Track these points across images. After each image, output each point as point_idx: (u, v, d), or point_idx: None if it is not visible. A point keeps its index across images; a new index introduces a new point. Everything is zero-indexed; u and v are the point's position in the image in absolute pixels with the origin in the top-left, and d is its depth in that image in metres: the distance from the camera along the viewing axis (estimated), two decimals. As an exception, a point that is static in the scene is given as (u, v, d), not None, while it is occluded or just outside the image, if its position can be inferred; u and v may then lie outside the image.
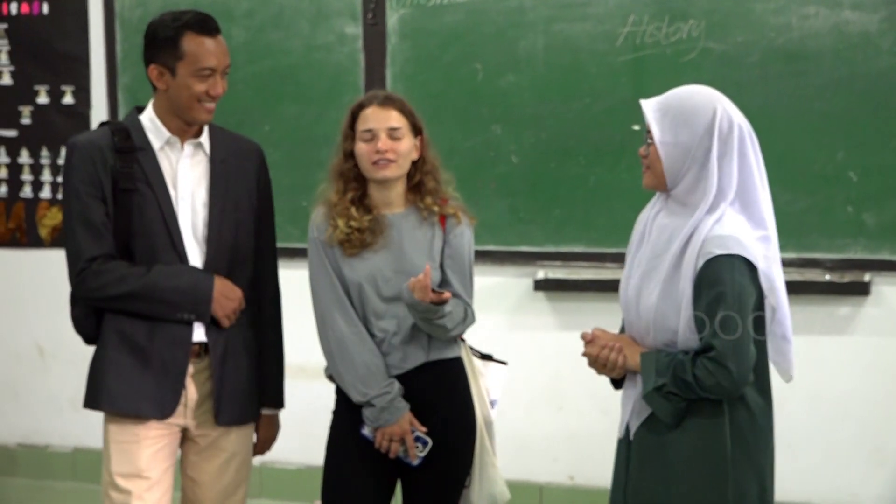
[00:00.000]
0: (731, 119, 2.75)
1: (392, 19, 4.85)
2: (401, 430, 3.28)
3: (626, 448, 2.88)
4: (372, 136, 3.30)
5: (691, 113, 2.76)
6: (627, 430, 2.88)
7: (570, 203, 4.72)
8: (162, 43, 3.18)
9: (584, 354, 2.91)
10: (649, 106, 2.81)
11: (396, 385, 3.30)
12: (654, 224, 2.86)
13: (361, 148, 3.31)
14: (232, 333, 3.28)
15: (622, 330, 2.99)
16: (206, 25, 3.18)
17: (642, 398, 2.78)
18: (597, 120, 4.65)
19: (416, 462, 3.31)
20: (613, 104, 4.63)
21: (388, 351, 3.32)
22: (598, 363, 2.88)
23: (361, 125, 3.33)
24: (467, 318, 3.37)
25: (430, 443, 3.31)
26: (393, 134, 3.30)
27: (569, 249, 4.75)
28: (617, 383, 2.99)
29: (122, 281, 3.17)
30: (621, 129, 4.58)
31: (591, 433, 4.81)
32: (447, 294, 3.22)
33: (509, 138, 4.77)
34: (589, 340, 2.89)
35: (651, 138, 2.79)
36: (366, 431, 3.32)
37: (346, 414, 3.38)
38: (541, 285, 4.78)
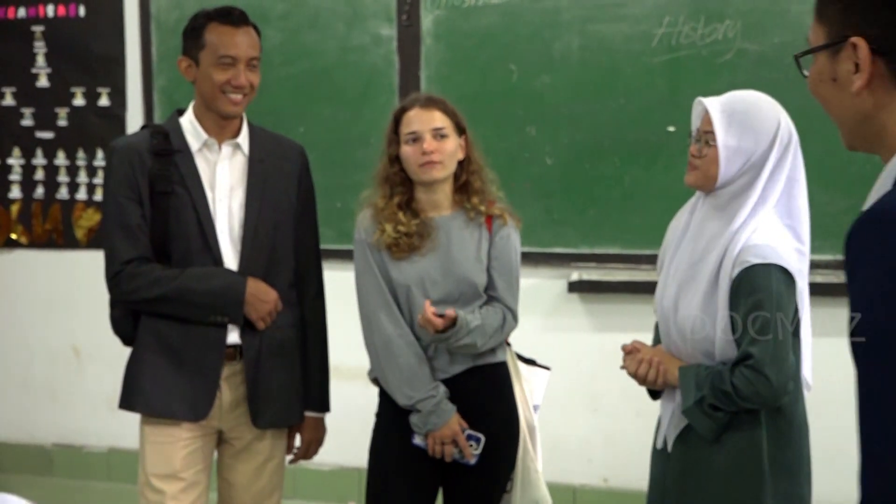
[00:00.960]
0: (791, 132, 2.72)
1: (426, 21, 4.85)
2: (451, 432, 3.26)
3: (665, 460, 2.87)
4: (417, 138, 3.28)
5: (758, 120, 2.71)
6: (665, 441, 2.87)
7: (605, 204, 4.71)
8: (189, 34, 3.22)
9: (624, 367, 2.90)
10: (714, 107, 2.73)
11: (442, 388, 3.28)
12: (689, 229, 2.83)
13: (407, 151, 3.30)
14: (268, 335, 3.28)
15: (655, 337, 2.98)
16: (229, 16, 3.19)
17: (682, 413, 2.76)
18: (632, 121, 4.63)
19: (473, 461, 3.29)
20: (649, 105, 4.61)
21: (435, 355, 3.30)
22: (637, 378, 2.87)
23: (405, 128, 3.31)
24: (506, 324, 3.34)
25: (483, 438, 3.29)
26: (438, 134, 3.28)
27: (603, 251, 4.73)
28: (654, 394, 2.97)
29: (154, 284, 3.18)
30: (657, 130, 4.56)
31: (626, 435, 4.79)
32: (450, 312, 3.20)
33: (544, 139, 4.76)
34: (629, 352, 2.88)
35: (713, 139, 2.72)
36: (417, 441, 3.29)
37: (390, 418, 3.36)
38: (575, 287, 4.76)
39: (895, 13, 1.51)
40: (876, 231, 1.45)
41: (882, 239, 1.43)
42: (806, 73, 1.67)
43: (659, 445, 2.89)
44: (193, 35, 3.20)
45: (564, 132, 4.73)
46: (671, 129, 4.50)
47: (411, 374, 3.26)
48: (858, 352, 1.47)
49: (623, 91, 4.65)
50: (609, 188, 4.70)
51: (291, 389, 3.34)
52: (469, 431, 3.28)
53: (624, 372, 2.97)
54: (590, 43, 4.67)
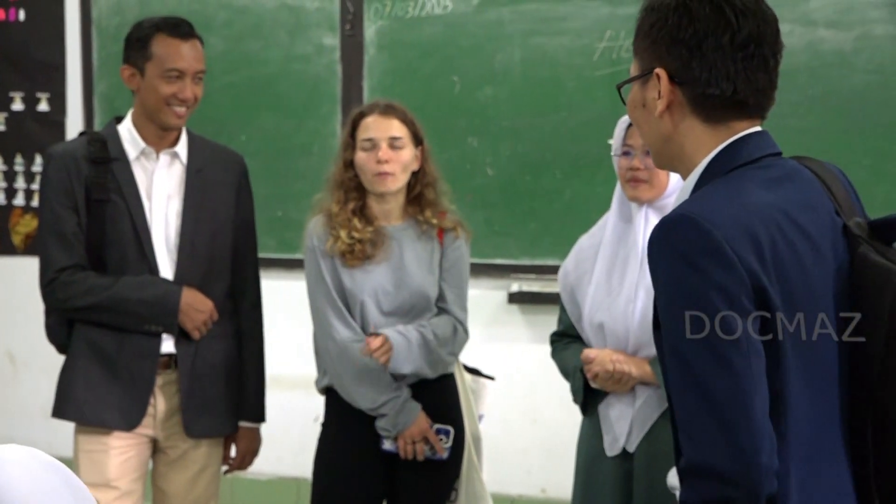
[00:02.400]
0: None
1: (370, 31, 4.85)
2: (420, 430, 3.28)
3: (622, 462, 2.89)
4: (373, 146, 3.27)
5: None
6: (624, 447, 2.89)
7: (546, 216, 4.73)
8: (134, 43, 3.20)
9: (594, 375, 2.89)
10: None
11: (405, 387, 3.30)
12: (641, 242, 2.84)
13: (362, 157, 3.29)
14: (204, 345, 3.27)
15: (560, 356, 3.04)
16: (178, 28, 3.18)
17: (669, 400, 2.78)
18: (573, 133, 4.66)
19: (445, 455, 3.31)
20: (590, 118, 4.64)
21: (386, 366, 3.31)
22: (612, 379, 2.87)
23: (362, 134, 3.30)
24: (457, 335, 3.36)
25: (452, 430, 3.32)
26: (394, 143, 3.28)
27: (543, 262, 4.75)
28: (584, 409, 3.01)
29: (88, 292, 3.17)
30: (597, 143, 4.59)
31: (565, 446, 4.78)
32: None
33: (486, 151, 4.77)
34: (593, 359, 2.89)
35: None
36: (387, 446, 3.30)
37: (338, 427, 3.36)
38: (515, 298, 4.78)
39: (689, 51, 1.80)
40: (664, 236, 1.75)
41: (671, 244, 1.73)
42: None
43: (613, 452, 2.91)
44: (139, 45, 3.18)
45: (506, 144, 4.75)
46: (611, 141, 4.53)
47: (372, 379, 3.26)
48: (659, 349, 1.80)
49: (565, 104, 4.67)
50: (550, 200, 4.72)
51: (226, 399, 3.33)
52: (437, 426, 3.29)
53: (563, 384, 2.99)
54: (532, 56, 4.69)
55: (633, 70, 1.91)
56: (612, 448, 2.92)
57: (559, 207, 4.71)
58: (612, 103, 4.60)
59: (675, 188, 2.81)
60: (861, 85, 4.38)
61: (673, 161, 1.91)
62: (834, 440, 1.79)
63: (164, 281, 3.21)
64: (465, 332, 3.39)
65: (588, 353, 2.91)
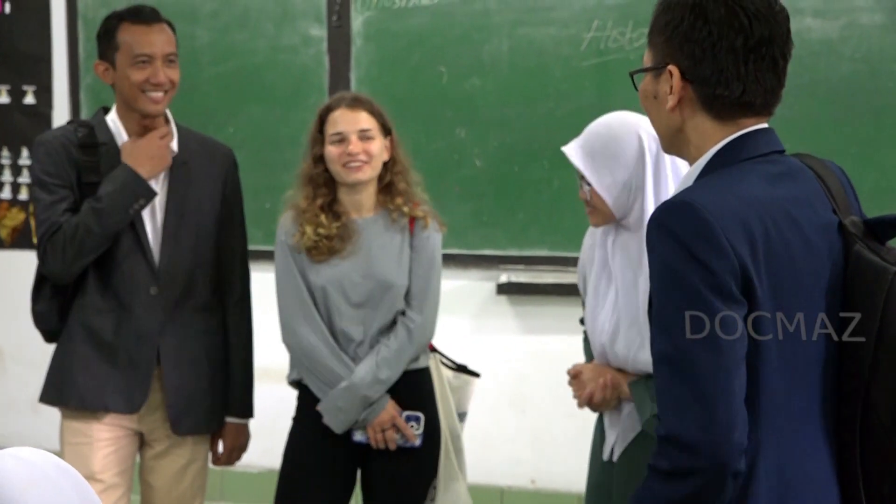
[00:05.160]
0: (653, 136, 2.63)
1: (357, 21, 4.84)
2: (389, 417, 3.27)
3: (609, 469, 2.85)
4: (342, 139, 3.27)
5: (618, 147, 2.73)
6: (612, 452, 2.85)
7: (534, 207, 4.73)
8: (102, 37, 3.20)
9: (577, 396, 2.86)
10: (574, 153, 2.77)
11: None
12: (614, 261, 2.81)
13: (331, 151, 3.28)
14: (190, 340, 3.26)
15: (587, 349, 2.96)
16: (140, 14, 3.17)
17: (643, 426, 2.74)
18: (561, 124, 4.65)
19: (417, 442, 3.30)
20: (577, 108, 4.64)
21: (356, 357, 3.30)
22: (596, 405, 2.83)
23: (331, 128, 3.29)
24: (414, 340, 3.31)
25: (423, 416, 3.31)
26: (363, 135, 3.27)
27: (532, 253, 4.75)
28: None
29: (74, 231, 3.10)
30: (585, 134, 4.59)
31: (554, 437, 4.82)
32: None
33: (473, 141, 4.77)
34: (574, 375, 2.86)
35: (587, 182, 2.75)
36: (358, 437, 3.30)
37: (308, 422, 3.35)
38: (504, 289, 4.78)
39: (702, 51, 1.88)
40: (663, 220, 1.82)
41: (668, 227, 1.80)
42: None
43: (605, 456, 2.87)
44: (107, 38, 3.17)
45: (494, 135, 4.75)
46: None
47: (335, 379, 3.26)
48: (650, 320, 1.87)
49: (552, 94, 4.67)
50: (538, 191, 4.72)
51: (211, 395, 3.32)
52: (407, 413, 3.29)
53: (552, 374, 2.98)
54: (519, 46, 4.69)
55: (647, 60, 1.98)
56: (606, 452, 2.89)
57: (547, 198, 4.71)
58: (599, 93, 4.61)
59: (626, 209, 2.76)
60: (848, 73, 4.38)
61: (681, 150, 1.99)
62: (816, 429, 1.86)
63: (116, 168, 3.15)
64: (426, 326, 3.33)
65: (574, 368, 2.87)
